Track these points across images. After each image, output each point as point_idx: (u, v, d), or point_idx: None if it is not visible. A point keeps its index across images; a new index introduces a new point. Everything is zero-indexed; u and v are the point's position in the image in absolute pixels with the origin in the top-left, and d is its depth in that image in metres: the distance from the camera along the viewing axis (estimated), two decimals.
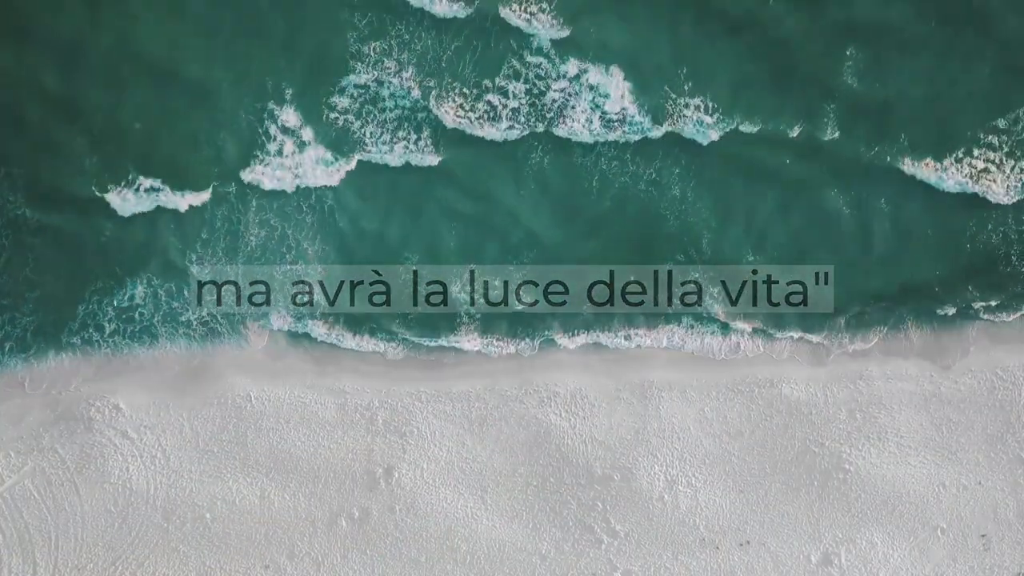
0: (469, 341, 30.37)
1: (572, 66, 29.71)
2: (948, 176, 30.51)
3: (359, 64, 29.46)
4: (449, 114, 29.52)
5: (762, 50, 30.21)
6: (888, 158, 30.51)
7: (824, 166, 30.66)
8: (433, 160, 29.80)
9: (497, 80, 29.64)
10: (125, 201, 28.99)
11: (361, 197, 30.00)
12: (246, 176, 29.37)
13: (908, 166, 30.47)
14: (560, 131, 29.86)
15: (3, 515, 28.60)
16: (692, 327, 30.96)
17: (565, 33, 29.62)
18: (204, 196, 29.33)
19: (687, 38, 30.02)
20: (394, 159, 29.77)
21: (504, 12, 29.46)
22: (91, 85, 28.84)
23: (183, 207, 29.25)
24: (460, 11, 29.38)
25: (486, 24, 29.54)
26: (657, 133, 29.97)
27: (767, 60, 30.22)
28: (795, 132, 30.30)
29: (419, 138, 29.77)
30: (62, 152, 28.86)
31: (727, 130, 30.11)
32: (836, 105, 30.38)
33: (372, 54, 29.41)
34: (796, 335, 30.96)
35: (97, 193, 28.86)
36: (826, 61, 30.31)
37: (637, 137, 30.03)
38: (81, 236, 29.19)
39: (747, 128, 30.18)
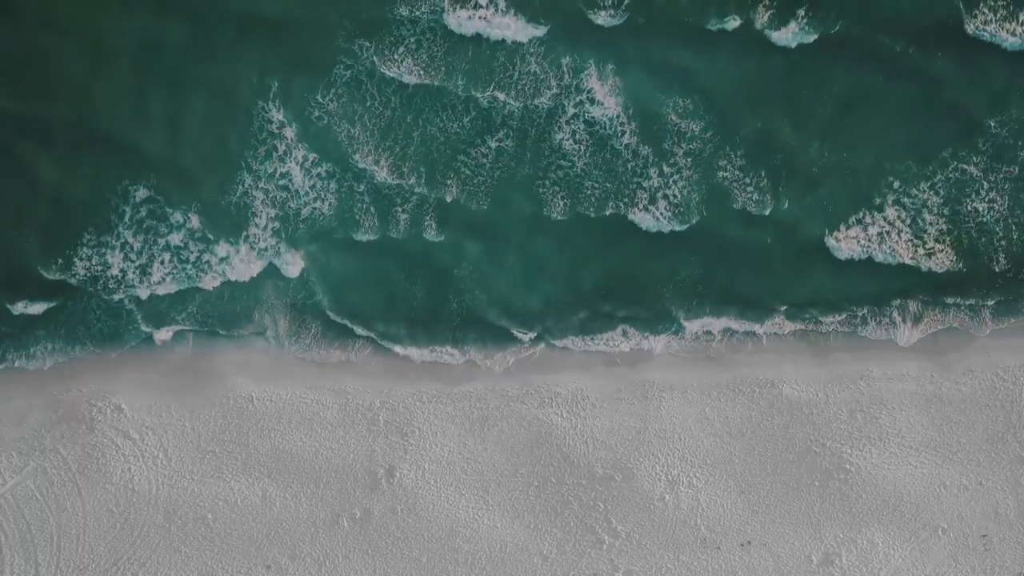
0: (465, 352, 30.54)
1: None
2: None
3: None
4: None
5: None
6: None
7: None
8: (437, 238, 29.84)
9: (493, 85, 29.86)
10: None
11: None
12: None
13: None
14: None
15: (5, 515, 28.65)
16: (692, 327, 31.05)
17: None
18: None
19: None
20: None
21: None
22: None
23: (161, 292, 29.31)
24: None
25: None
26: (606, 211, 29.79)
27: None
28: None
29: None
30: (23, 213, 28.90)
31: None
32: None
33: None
34: (794, 334, 31.10)
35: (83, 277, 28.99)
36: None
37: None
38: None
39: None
